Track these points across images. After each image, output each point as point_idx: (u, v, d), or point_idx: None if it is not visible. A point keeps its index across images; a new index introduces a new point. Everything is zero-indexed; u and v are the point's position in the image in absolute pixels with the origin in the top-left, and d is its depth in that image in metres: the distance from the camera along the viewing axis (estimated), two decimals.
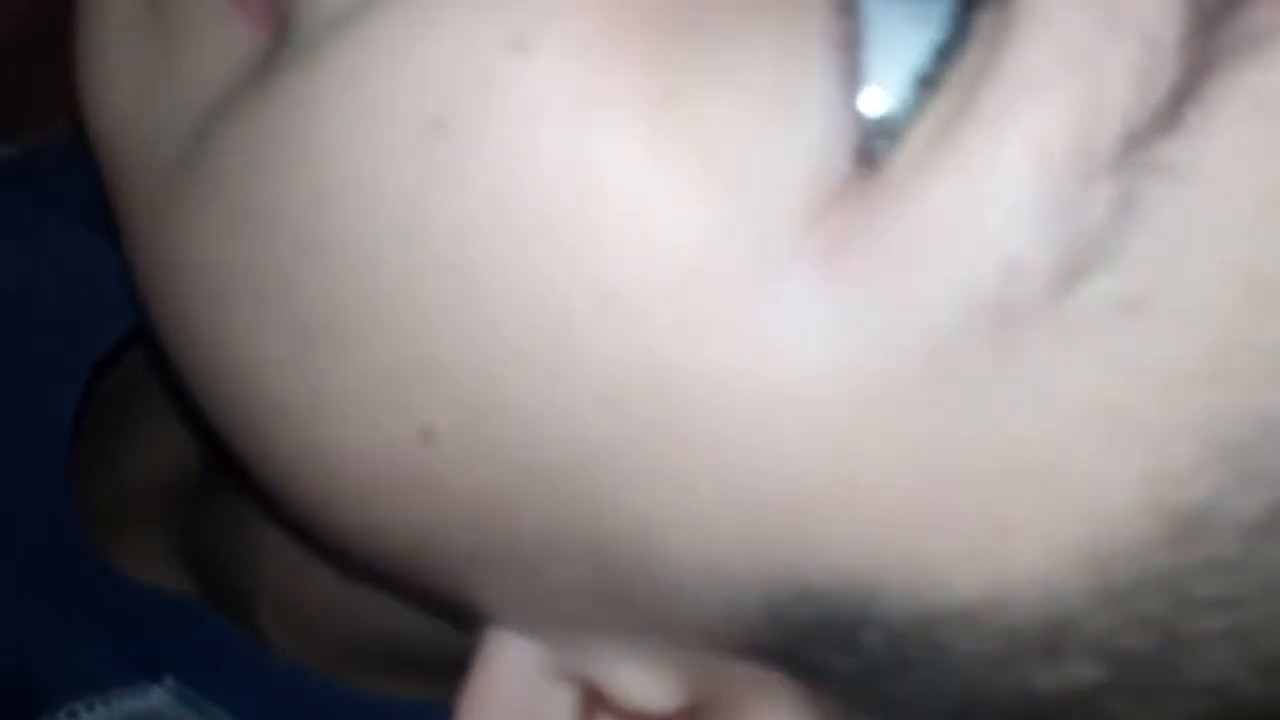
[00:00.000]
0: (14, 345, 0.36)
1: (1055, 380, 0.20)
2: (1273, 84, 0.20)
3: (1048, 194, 0.20)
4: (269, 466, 0.26)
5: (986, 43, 0.20)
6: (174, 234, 0.25)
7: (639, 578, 0.23)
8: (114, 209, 0.27)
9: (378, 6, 0.22)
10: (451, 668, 0.27)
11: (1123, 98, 0.20)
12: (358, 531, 0.25)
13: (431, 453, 0.23)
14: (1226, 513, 0.21)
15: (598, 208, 0.21)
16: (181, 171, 0.24)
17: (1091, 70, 0.20)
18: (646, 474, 0.22)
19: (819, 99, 0.21)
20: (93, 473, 0.35)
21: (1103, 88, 0.20)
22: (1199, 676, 0.22)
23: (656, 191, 0.21)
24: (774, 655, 0.24)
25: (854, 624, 0.22)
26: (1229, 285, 0.20)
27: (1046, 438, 0.21)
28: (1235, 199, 0.20)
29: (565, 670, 0.26)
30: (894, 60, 0.21)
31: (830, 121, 0.21)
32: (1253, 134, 0.20)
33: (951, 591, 0.22)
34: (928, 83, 0.21)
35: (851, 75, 0.21)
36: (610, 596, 0.24)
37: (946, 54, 0.21)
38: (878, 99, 0.21)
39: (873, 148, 0.21)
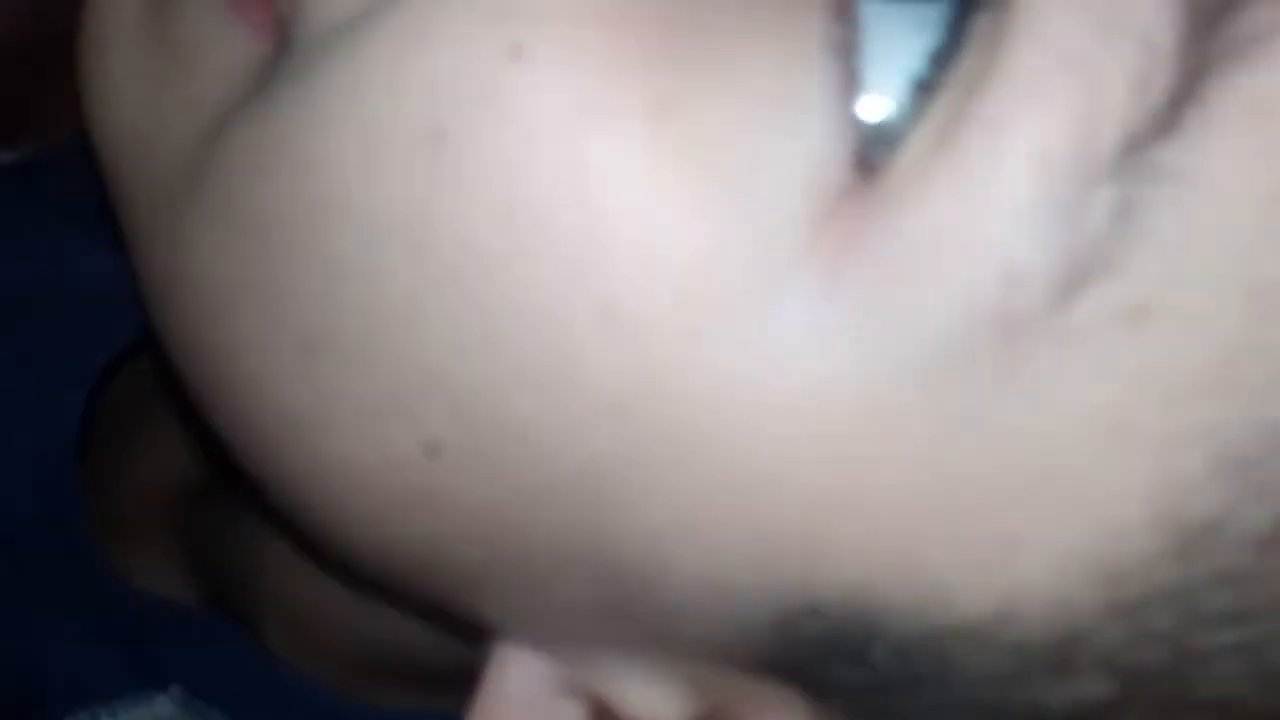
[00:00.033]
0: (21, 351, 0.36)
1: (1058, 391, 0.20)
2: (1271, 85, 0.19)
3: (1047, 200, 0.20)
4: (275, 479, 0.26)
5: (983, 48, 0.20)
6: (177, 244, 0.25)
7: (647, 592, 0.23)
8: (118, 216, 0.27)
9: (377, 16, 0.22)
10: (458, 681, 0.26)
11: (1121, 101, 0.19)
12: (364, 545, 0.25)
13: (436, 467, 0.23)
14: (1235, 525, 0.20)
15: (597, 219, 0.21)
16: (185, 182, 0.24)
17: (1089, 74, 0.19)
18: (651, 487, 0.22)
19: (817, 106, 0.21)
20: (99, 480, 0.35)
21: (1100, 92, 0.19)
22: (1209, 691, 0.22)
23: (656, 202, 0.21)
24: (783, 670, 0.24)
25: (862, 639, 0.22)
26: (1230, 291, 0.20)
27: (1051, 449, 0.20)
28: (1235, 202, 0.20)
29: (574, 684, 0.26)
30: (891, 66, 0.21)
31: (829, 129, 0.21)
32: (1252, 136, 0.19)
33: (959, 606, 0.22)
34: (925, 88, 0.20)
35: (849, 82, 0.21)
36: (619, 611, 0.24)
37: (944, 59, 0.20)
38: (876, 105, 0.21)
39: (871, 154, 0.21)
